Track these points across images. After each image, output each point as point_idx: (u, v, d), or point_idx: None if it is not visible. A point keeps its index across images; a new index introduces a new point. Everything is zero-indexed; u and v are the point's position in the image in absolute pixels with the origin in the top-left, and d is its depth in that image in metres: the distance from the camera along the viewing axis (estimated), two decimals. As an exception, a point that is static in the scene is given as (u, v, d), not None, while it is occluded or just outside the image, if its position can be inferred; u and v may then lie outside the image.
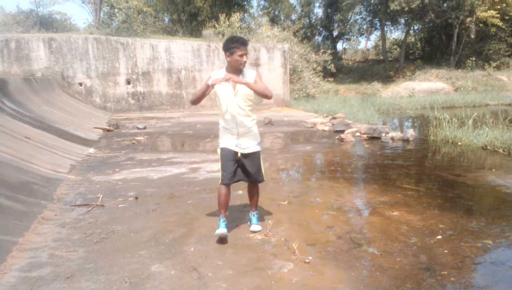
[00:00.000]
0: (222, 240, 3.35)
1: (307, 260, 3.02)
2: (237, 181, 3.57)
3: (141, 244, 3.38)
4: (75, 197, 4.74)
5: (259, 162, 3.57)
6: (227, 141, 3.46)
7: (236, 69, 3.37)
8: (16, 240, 3.30)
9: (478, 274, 2.83)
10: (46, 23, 23.72)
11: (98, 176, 5.74)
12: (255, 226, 3.66)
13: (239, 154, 3.44)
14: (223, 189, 3.43)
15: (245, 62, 3.34)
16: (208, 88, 3.36)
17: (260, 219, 3.89)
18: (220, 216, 3.44)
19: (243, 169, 3.55)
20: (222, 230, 3.34)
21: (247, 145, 3.46)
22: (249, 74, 3.46)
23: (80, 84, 15.13)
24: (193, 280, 2.75)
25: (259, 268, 2.93)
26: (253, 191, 3.73)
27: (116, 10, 17.83)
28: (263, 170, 3.63)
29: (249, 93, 3.38)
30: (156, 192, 4.95)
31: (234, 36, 3.39)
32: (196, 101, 3.49)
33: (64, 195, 4.76)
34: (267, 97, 3.39)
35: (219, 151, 3.51)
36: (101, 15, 23.99)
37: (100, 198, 4.65)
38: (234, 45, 3.29)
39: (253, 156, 3.51)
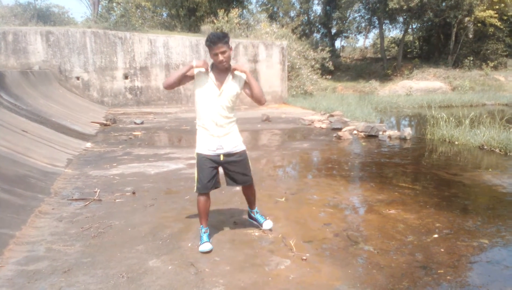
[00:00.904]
0: (207, 252, 3.11)
1: (304, 257, 3.03)
2: (215, 188, 3.23)
3: (139, 239, 3.38)
4: (72, 191, 4.73)
5: (246, 161, 3.26)
6: (206, 145, 3.13)
7: (221, 68, 3.04)
8: (13, 234, 3.29)
9: (474, 273, 2.85)
10: (43, 16, 23.59)
11: (95, 171, 5.73)
12: (267, 223, 3.52)
13: (221, 157, 3.14)
14: (202, 197, 3.17)
15: (222, 61, 2.95)
16: (190, 69, 3.02)
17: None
18: (201, 226, 3.22)
19: (228, 173, 3.24)
20: (206, 246, 3.10)
21: (230, 145, 3.15)
22: (239, 79, 3.12)
23: (78, 78, 15.06)
24: (190, 275, 2.76)
25: (256, 264, 2.94)
26: (248, 192, 3.48)
27: (114, 4, 17.74)
28: (251, 169, 3.35)
29: (235, 94, 3.09)
30: (153, 187, 4.95)
31: (211, 32, 2.97)
32: (171, 82, 3.03)
33: (61, 189, 4.75)
34: (261, 102, 3.13)
35: (196, 155, 3.19)
36: (99, 9, 23.91)
37: (97, 192, 4.64)
38: (207, 43, 2.93)
39: (239, 155, 3.21)
